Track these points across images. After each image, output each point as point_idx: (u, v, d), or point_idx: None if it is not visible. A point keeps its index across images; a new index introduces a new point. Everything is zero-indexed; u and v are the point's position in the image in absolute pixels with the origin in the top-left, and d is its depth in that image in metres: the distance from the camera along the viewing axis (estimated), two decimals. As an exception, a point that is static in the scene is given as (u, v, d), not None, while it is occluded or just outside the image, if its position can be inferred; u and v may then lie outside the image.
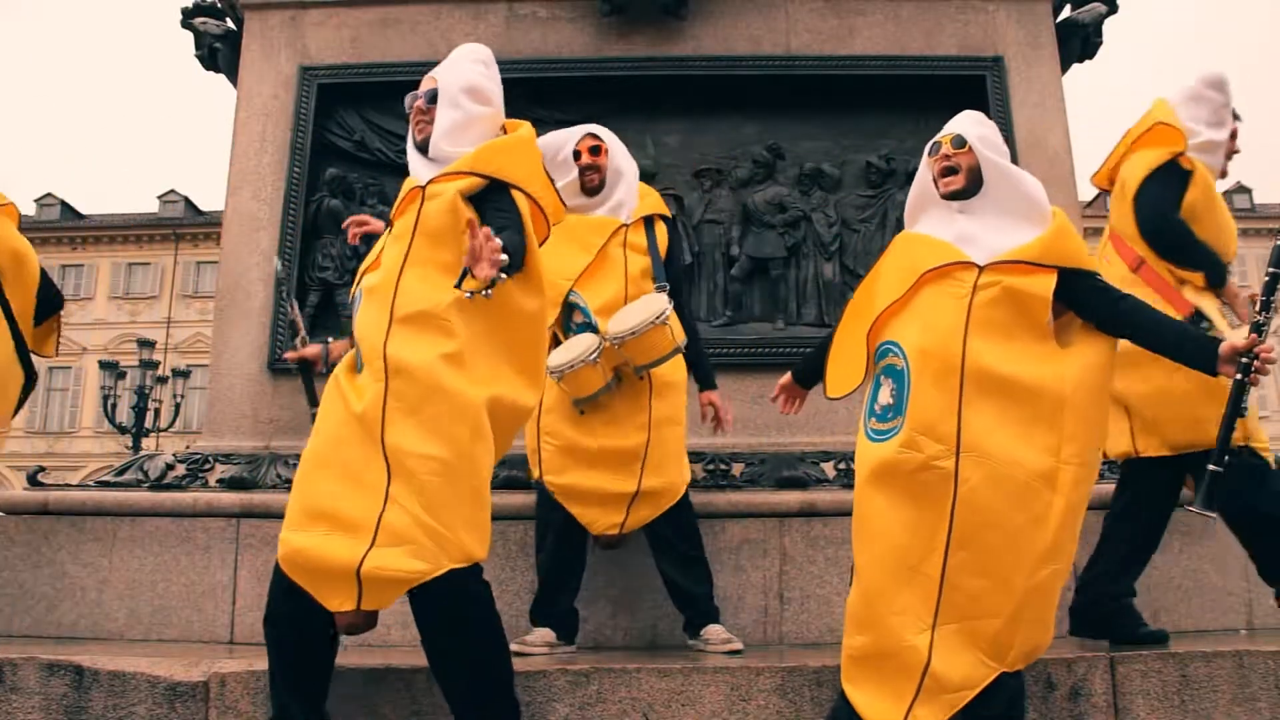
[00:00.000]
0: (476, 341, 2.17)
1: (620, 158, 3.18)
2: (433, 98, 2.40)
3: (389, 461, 2.07)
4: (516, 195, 2.30)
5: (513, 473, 3.60)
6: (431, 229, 2.22)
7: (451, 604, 2.13)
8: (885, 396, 2.21)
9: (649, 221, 3.14)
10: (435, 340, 2.13)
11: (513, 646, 2.85)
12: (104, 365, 17.27)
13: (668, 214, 3.26)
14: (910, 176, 4.15)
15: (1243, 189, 31.42)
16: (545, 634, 2.93)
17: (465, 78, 2.41)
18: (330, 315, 4.06)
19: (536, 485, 3.03)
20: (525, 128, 2.46)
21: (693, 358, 3.14)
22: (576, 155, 3.12)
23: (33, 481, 3.81)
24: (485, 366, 2.19)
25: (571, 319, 3.01)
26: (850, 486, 3.57)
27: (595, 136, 3.15)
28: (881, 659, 2.09)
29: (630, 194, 3.15)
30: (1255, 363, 2.11)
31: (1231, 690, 2.53)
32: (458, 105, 2.37)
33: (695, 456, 3.67)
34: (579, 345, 2.89)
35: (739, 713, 2.44)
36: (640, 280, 3.04)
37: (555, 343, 3.00)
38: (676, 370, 3.02)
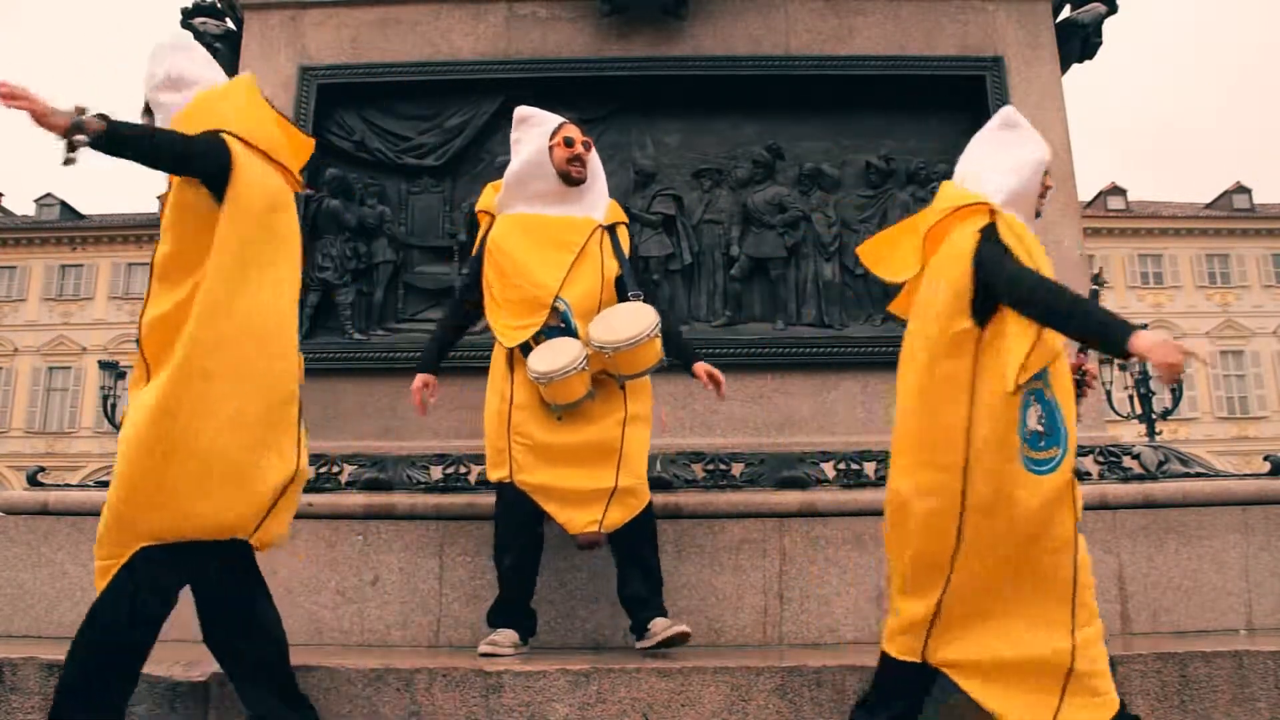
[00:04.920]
0: None
1: (598, 163, 3.20)
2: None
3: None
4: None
5: (512, 473, 3.61)
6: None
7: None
8: (1035, 422, 2.15)
9: (612, 229, 3.14)
10: None
11: (483, 647, 2.86)
12: (104, 365, 17.23)
13: (626, 220, 3.27)
14: (910, 176, 4.18)
15: (1242, 189, 31.41)
16: (511, 635, 2.91)
17: (150, 79, 2.40)
18: (330, 315, 4.06)
19: (500, 486, 2.98)
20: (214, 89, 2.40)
21: (674, 344, 3.11)
22: (569, 143, 3.07)
23: (32, 481, 3.81)
24: None
25: (546, 320, 2.95)
26: (849, 487, 3.60)
27: (583, 132, 3.15)
28: (1031, 665, 2.12)
29: (604, 197, 3.16)
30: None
31: (1231, 690, 2.53)
32: (159, 108, 2.38)
33: (695, 456, 3.68)
34: (565, 352, 2.86)
35: (739, 713, 2.44)
36: (612, 284, 3.06)
37: (527, 345, 2.96)
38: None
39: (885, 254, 2.48)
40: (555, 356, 2.86)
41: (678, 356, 3.15)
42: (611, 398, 2.97)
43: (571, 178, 3.07)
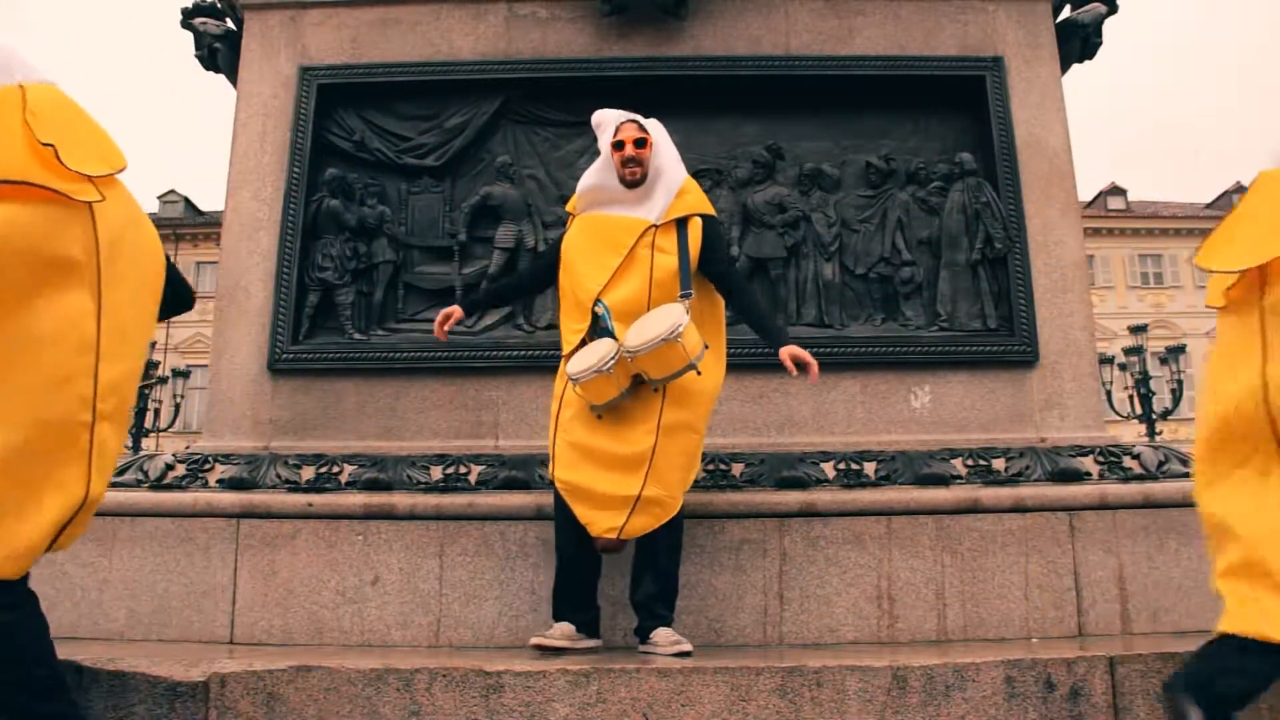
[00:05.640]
0: None
1: (664, 157, 3.15)
2: None
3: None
4: None
5: (513, 473, 3.61)
6: None
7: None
8: None
9: (682, 223, 3.09)
10: None
11: (533, 640, 2.89)
12: (104, 365, 17.22)
13: (708, 212, 3.19)
14: (910, 176, 4.18)
15: (1243, 189, 31.37)
16: (566, 628, 2.95)
17: None
18: (330, 315, 4.06)
19: (553, 482, 3.05)
20: None
21: (757, 325, 3.14)
22: (620, 146, 3.10)
23: (32, 482, 3.80)
24: None
25: (598, 324, 3.01)
26: (849, 487, 3.60)
27: (643, 129, 3.14)
28: None
29: (667, 195, 3.12)
30: None
31: (1231, 690, 2.53)
32: None
33: (695, 456, 3.68)
34: (595, 353, 2.90)
35: (739, 713, 2.44)
36: (668, 284, 3.01)
37: (582, 343, 3.02)
38: (699, 379, 2.96)
39: (1220, 246, 2.33)
40: (586, 357, 2.90)
41: (764, 339, 3.13)
42: (649, 403, 2.95)
43: (626, 180, 3.10)
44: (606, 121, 3.21)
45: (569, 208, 3.33)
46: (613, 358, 2.85)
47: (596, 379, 2.85)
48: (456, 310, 3.26)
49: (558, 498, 3.01)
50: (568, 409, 3.00)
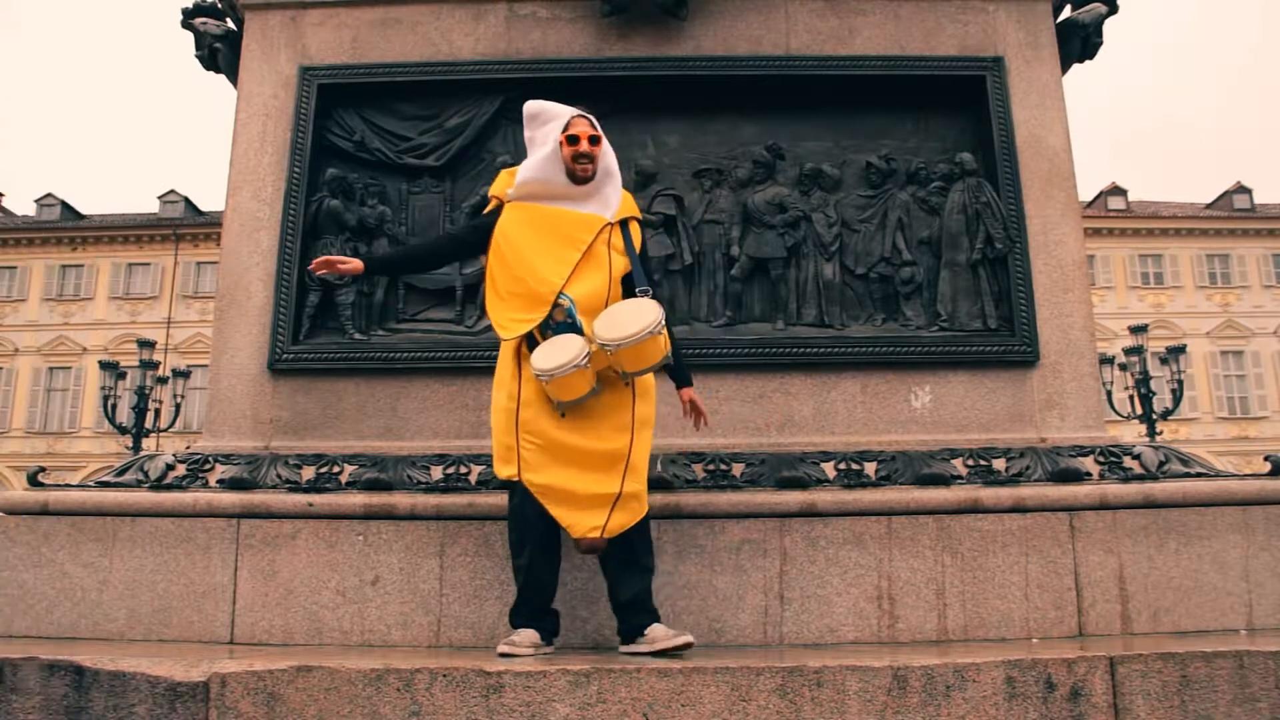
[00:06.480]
0: None
1: (611, 157, 3.17)
2: None
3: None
4: None
5: (513, 473, 3.61)
6: None
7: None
8: None
9: (624, 224, 3.13)
10: None
11: (501, 648, 2.85)
12: (104, 365, 17.30)
13: (640, 216, 3.27)
14: (910, 176, 4.18)
15: (1243, 189, 31.41)
16: (531, 635, 2.91)
17: None
18: (330, 315, 4.06)
19: (511, 485, 2.96)
20: None
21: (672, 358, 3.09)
22: (574, 140, 3.07)
23: (33, 482, 3.81)
24: None
25: (552, 316, 2.94)
26: (850, 487, 3.60)
27: (595, 127, 3.12)
28: None
29: (617, 194, 3.14)
30: None
31: (1231, 690, 2.53)
32: None
33: (695, 457, 3.68)
34: (567, 348, 2.84)
35: (739, 713, 2.44)
36: (619, 282, 3.04)
37: (533, 341, 2.96)
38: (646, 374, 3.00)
39: None
40: (557, 353, 2.84)
41: (671, 373, 3.16)
42: (620, 401, 2.95)
43: (577, 176, 3.08)
44: (550, 113, 3.16)
45: (494, 193, 3.22)
46: (588, 352, 2.82)
47: (573, 374, 2.81)
48: (356, 264, 3.18)
49: (521, 501, 2.93)
50: (528, 408, 2.92)
